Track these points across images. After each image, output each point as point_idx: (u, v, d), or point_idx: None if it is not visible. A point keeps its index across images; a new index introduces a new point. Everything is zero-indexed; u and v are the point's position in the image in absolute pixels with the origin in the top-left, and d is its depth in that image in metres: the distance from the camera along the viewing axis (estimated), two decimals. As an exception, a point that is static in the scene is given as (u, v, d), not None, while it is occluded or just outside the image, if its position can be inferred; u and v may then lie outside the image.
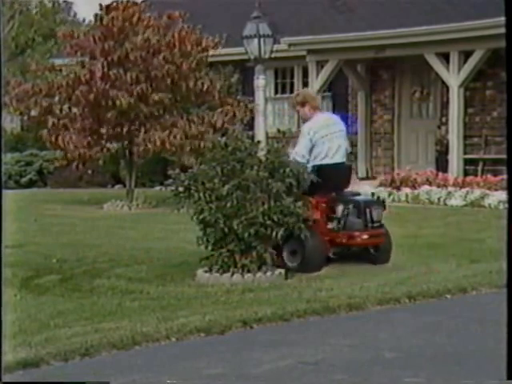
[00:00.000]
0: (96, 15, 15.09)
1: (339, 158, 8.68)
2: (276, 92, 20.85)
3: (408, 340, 5.73)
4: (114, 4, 14.97)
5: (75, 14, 36.16)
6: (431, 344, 5.61)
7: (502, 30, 17.16)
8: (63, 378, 4.92)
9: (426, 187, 15.35)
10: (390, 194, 15.71)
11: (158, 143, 14.28)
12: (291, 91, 20.56)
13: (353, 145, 19.45)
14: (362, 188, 16.24)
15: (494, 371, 4.92)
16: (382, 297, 6.82)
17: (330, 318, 6.36)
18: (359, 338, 5.82)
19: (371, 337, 5.84)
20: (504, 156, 17.76)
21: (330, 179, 8.44)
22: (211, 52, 15.01)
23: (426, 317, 6.46)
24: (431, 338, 5.81)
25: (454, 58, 16.52)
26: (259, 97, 15.07)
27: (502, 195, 14.40)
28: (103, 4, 15.12)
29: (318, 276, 7.92)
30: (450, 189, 15.08)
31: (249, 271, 7.84)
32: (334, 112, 19.86)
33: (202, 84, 14.60)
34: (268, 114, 20.25)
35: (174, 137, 14.33)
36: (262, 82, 14.99)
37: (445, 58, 16.68)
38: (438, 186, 15.31)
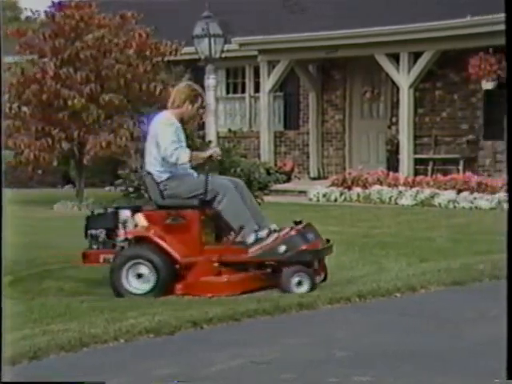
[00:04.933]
0: (47, 12, 14.92)
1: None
2: (228, 92, 20.84)
3: (359, 339, 5.74)
4: (67, 2, 14.83)
5: (22, 11, 35.74)
6: (382, 342, 5.62)
7: (451, 32, 17.44)
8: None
9: (377, 187, 15.48)
10: (341, 194, 15.82)
11: (104, 145, 14.18)
12: (243, 91, 20.60)
13: (304, 144, 19.60)
14: (314, 188, 16.37)
15: (445, 369, 4.95)
16: (333, 296, 6.83)
17: (281, 317, 6.36)
18: (310, 337, 5.81)
19: (322, 336, 5.84)
20: (453, 155, 18.02)
21: None
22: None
23: (376, 315, 6.48)
24: (382, 336, 5.83)
25: (404, 58, 16.68)
26: (210, 97, 15.05)
27: (452, 194, 14.58)
28: (55, 1, 14.97)
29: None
30: (401, 188, 15.21)
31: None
32: (284, 112, 19.99)
33: (155, 87, 14.55)
34: (219, 114, 20.26)
35: (120, 138, 14.24)
36: (212, 81, 14.97)
37: (395, 58, 16.83)
38: (389, 186, 15.44)
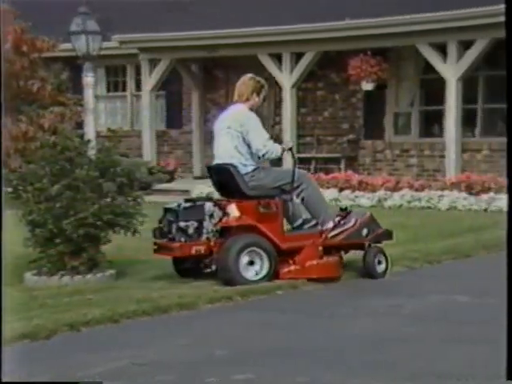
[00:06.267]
0: None
1: (218, 159, 7.91)
2: (108, 90, 20.59)
3: (239, 337, 5.77)
4: None
5: None
6: (262, 340, 5.67)
7: (331, 34, 17.67)
8: None
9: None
10: (224, 193, 15.88)
11: None
12: (123, 89, 20.38)
13: (187, 144, 19.56)
14: (197, 187, 16.36)
15: (328, 365, 5.02)
16: (214, 295, 6.85)
17: (161, 318, 6.33)
18: (190, 337, 5.80)
19: (202, 336, 5.84)
20: (334, 155, 18.28)
21: (212, 182, 8.06)
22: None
23: (256, 313, 6.53)
24: (262, 334, 5.87)
25: (287, 59, 16.87)
26: (88, 95, 14.82)
27: (334, 193, 14.84)
28: None
29: (151, 276, 7.86)
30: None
31: (79, 273, 7.70)
32: (167, 111, 19.90)
33: (33, 84, 14.23)
34: (100, 113, 20.00)
35: (-1, 137, 13.86)
36: (90, 79, 14.73)
37: (277, 58, 16.99)
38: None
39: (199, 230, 7.51)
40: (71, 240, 7.67)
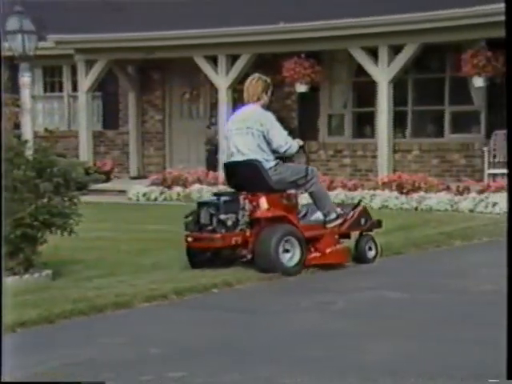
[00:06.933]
0: None
1: (240, 156, 8.19)
2: (45, 90, 20.36)
3: (174, 335, 5.78)
4: None
5: None
6: (197, 338, 5.69)
7: (266, 37, 17.64)
8: None
9: (197, 186, 15.61)
10: (161, 193, 15.84)
11: None
12: (60, 90, 20.18)
13: (124, 144, 19.47)
14: (134, 187, 16.30)
15: (262, 362, 5.07)
16: (150, 294, 6.84)
17: (97, 317, 6.30)
18: (126, 336, 5.79)
19: (137, 334, 5.83)
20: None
21: (228, 177, 8.44)
22: None
23: (192, 312, 6.55)
24: (197, 332, 5.89)
25: (222, 61, 16.89)
26: (25, 95, 14.63)
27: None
28: None
29: (88, 276, 7.82)
30: (221, 187, 15.39)
31: (15, 274, 7.60)
32: (104, 112, 19.76)
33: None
34: (38, 113, 19.78)
35: None
36: (27, 79, 14.55)
37: (213, 60, 17.01)
38: (209, 185, 15.61)
39: (236, 221, 7.95)
40: (8, 241, 7.57)
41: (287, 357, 5.18)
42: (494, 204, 12.68)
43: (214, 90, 17.57)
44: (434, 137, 16.71)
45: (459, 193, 13.40)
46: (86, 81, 18.19)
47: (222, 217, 7.91)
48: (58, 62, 19.41)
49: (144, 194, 15.94)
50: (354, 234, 8.72)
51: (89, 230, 8.88)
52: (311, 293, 7.22)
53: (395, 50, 15.33)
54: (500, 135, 15.30)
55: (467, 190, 13.48)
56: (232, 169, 8.33)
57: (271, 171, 8.13)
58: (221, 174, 16.49)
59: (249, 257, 7.95)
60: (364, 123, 17.41)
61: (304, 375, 4.75)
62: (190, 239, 8.08)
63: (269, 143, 8.15)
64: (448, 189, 13.71)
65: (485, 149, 15.29)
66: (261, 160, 8.11)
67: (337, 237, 8.38)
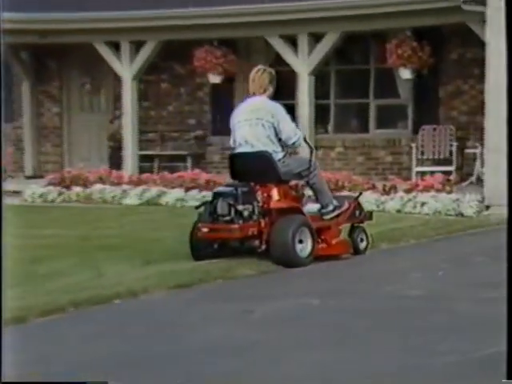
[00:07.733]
0: None
1: (249, 147, 8.74)
2: None
3: (71, 351, 5.61)
4: None
5: None
6: (96, 352, 5.53)
7: (173, 22, 17.41)
8: None
9: (99, 186, 15.36)
10: (60, 194, 15.52)
11: None
12: None
13: (19, 140, 19.02)
14: (30, 187, 15.92)
15: (171, 376, 4.94)
16: (45, 308, 6.62)
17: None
18: (21, 354, 5.58)
19: (34, 352, 5.64)
20: (180, 152, 18.18)
21: (234, 168, 8.90)
22: None
23: (91, 324, 6.37)
24: (96, 346, 5.73)
25: (126, 48, 16.54)
26: None
27: (180, 193, 14.75)
28: None
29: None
30: (125, 187, 15.19)
31: None
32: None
33: None
34: None
35: None
36: None
37: (116, 47, 16.68)
38: (112, 185, 15.38)
39: (252, 212, 8.42)
40: None
41: (199, 370, 5.06)
42: (423, 204, 12.80)
43: (118, 80, 17.29)
44: (359, 132, 16.82)
45: (386, 192, 13.49)
46: (-28, 69, 17.69)
47: (240, 207, 8.38)
48: None
49: (41, 195, 15.60)
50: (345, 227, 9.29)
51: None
52: (229, 300, 7.13)
53: (316, 39, 15.35)
54: (428, 130, 15.50)
55: (394, 189, 13.59)
56: (240, 160, 8.81)
57: (280, 163, 8.67)
58: (125, 172, 16.27)
59: (263, 247, 8.44)
60: (283, 117, 17.39)
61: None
62: (205, 230, 8.44)
63: (278, 134, 8.69)
64: (374, 188, 13.79)
65: (412, 145, 15.46)
66: (271, 152, 8.64)
67: (341, 228, 9.04)
